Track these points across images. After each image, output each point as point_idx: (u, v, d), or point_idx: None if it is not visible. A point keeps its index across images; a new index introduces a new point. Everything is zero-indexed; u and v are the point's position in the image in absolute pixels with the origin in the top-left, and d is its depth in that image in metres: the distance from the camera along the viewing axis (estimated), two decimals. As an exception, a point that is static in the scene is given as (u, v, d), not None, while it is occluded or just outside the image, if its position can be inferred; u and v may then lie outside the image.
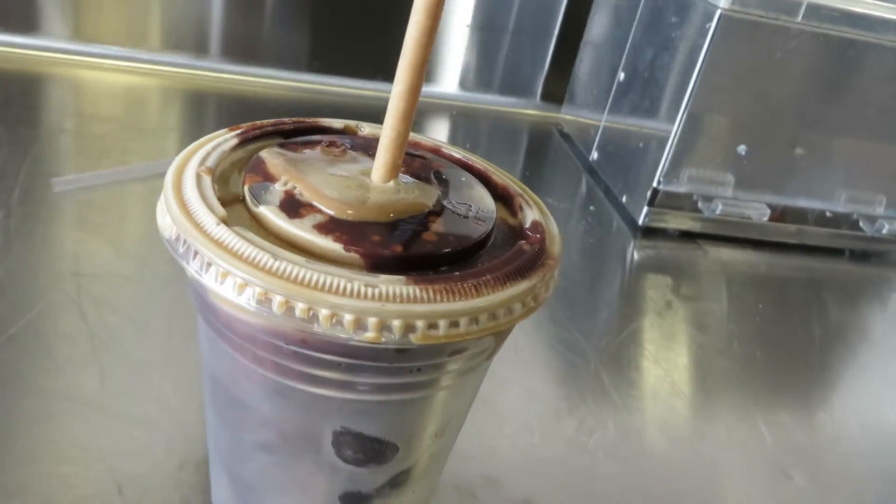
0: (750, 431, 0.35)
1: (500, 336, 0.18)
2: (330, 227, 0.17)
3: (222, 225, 0.16)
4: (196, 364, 0.31)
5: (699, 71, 0.46)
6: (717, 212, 0.50)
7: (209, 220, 0.16)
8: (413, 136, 0.22)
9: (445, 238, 0.17)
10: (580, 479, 0.30)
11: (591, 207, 0.55)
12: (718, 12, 0.44)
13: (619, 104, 0.56)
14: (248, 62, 0.64)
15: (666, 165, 0.49)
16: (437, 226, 0.18)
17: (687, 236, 0.52)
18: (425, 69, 0.17)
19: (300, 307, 0.15)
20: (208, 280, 0.15)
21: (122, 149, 0.49)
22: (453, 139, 0.65)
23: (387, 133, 0.18)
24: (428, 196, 0.19)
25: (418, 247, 0.17)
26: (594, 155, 0.59)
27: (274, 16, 0.64)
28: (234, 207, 0.18)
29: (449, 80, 0.69)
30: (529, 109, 0.71)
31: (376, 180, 0.19)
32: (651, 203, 0.50)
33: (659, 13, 0.51)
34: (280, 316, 0.15)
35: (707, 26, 0.45)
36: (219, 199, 0.17)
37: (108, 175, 0.43)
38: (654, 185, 0.49)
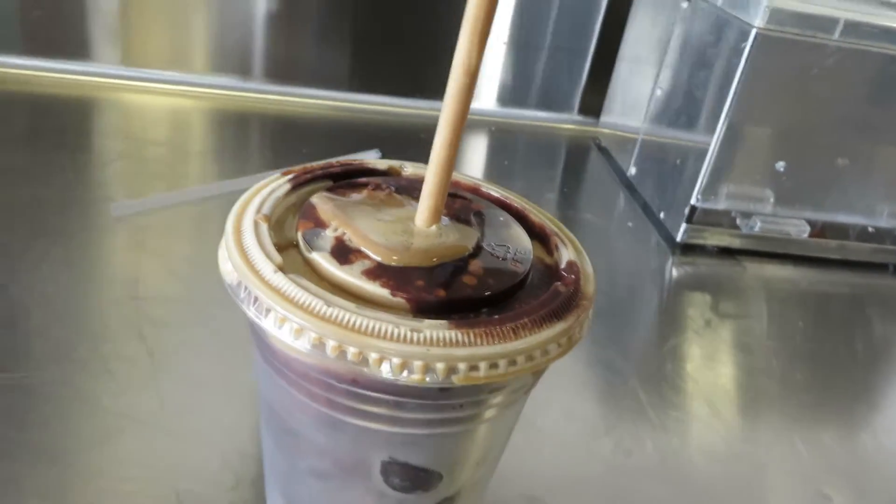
0: (789, 451, 0.35)
1: (538, 373, 0.19)
2: (377, 272, 0.18)
3: (279, 272, 0.17)
4: (248, 384, 0.32)
5: (736, 88, 0.46)
6: (756, 229, 0.50)
7: (267, 268, 0.18)
8: (453, 175, 0.23)
9: (485, 281, 0.19)
10: (619, 498, 0.31)
11: (630, 223, 0.55)
12: (754, 31, 0.44)
13: (657, 120, 0.57)
14: (290, 82, 0.66)
15: (704, 182, 0.49)
16: (477, 268, 0.19)
17: (726, 253, 0.52)
18: (465, 122, 0.19)
19: (352, 351, 0.16)
20: (267, 324, 0.17)
21: (174, 172, 0.51)
22: (492, 154, 0.66)
23: (429, 180, 0.19)
24: (468, 239, 0.20)
25: (459, 290, 0.18)
26: (632, 170, 0.60)
27: (314, 37, 0.66)
28: (289, 252, 0.19)
29: (487, 97, 0.70)
30: (567, 124, 0.72)
31: (419, 224, 0.20)
32: (689, 220, 0.50)
33: (694, 31, 0.52)
34: (333, 358, 0.16)
35: (742, 45, 0.45)
36: (275, 244, 0.19)
37: (163, 199, 0.46)
38: (693, 201, 0.50)
